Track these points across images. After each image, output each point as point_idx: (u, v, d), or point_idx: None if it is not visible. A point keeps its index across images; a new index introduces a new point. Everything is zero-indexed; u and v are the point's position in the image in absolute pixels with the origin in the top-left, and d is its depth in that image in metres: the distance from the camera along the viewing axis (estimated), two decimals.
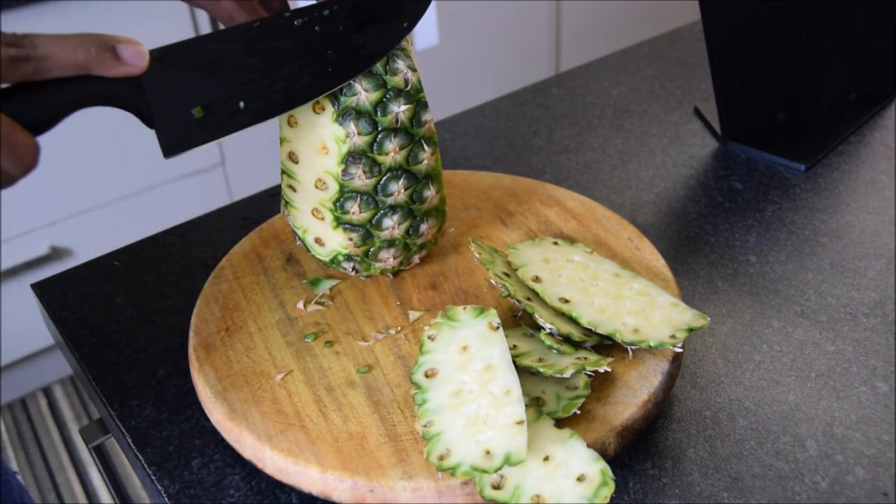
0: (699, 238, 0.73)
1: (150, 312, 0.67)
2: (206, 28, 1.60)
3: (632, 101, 0.99)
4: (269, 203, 0.80)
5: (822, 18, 0.87)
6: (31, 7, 1.40)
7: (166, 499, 0.51)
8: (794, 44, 0.87)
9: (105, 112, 1.55)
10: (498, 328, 0.52)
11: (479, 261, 0.57)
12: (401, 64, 0.55)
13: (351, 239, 0.59)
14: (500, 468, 0.45)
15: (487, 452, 0.46)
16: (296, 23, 0.51)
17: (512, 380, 0.49)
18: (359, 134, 0.55)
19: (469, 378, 0.50)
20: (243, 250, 0.68)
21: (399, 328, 0.59)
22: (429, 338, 0.53)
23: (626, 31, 2.29)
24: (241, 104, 0.51)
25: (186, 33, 1.58)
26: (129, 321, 0.66)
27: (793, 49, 0.87)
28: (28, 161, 0.41)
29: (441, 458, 0.46)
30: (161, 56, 0.46)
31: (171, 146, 0.49)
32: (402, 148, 0.57)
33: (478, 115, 0.97)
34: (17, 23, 1.40)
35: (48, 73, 0.42)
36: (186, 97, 0.49)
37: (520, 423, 0.46)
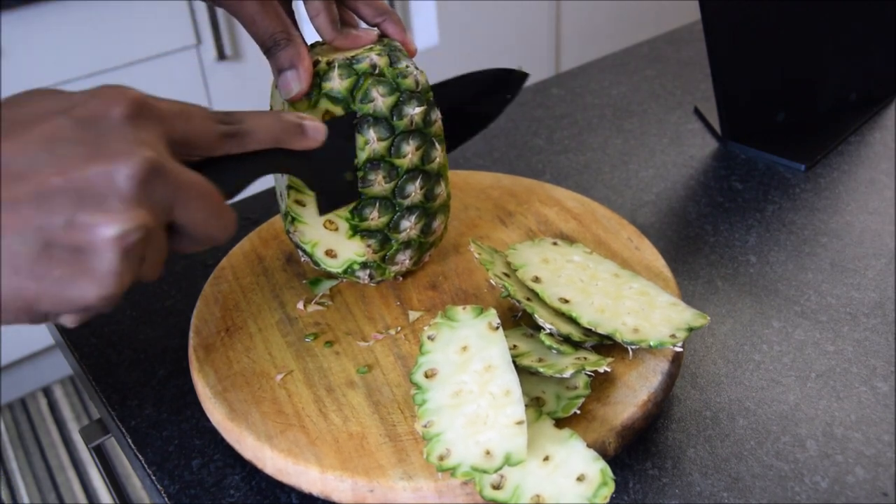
0: (699, 238, 0.73)
1: (150, 312, 0.67)
2: (206, 29, 1.60)
3: (632, 101, 0.99)
4: (269, 203, 0.80)
5: (822, 19, 0.87)
6: (31, 7, 1.40)
7: (166, 499, 0.51)
8: (794, 44, 0.87)
9: None
10: (497, 328, 0.52)
11: (479, 261, 0.57)
12: (404, 63, 0.56)
13: (369, 245, 0.58)
14: (500, 468, 0.45)
15: (487, 453, 0.46)
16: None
17: (512, 380, 0.49)
18: (378, 140, 0.55)
19: (469, 378, 0.50)
20: (243, 250, 0.68)
21: (399, 328, 0.59)
22: (428, 338, 0.53)
23: (626, 31, 2.29)
24: None
25: (186, 33, 1.58)
26: (129, 321, 0.66)
27: (793, 49, 0.87)
28: (231, 229, 0.44)
29: (441, 458, 0.46)
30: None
31: (328, 206, 0.56)
32: (417, 149, 0.57)
33: None
34: (17, 23, 1.40)
35: (248, 147, 0.47)
36: (342, 164, 0.55)
37: (520, 423, 0.46)
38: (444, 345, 0.52)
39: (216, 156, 0.46)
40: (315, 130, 0.50)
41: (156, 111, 0.41)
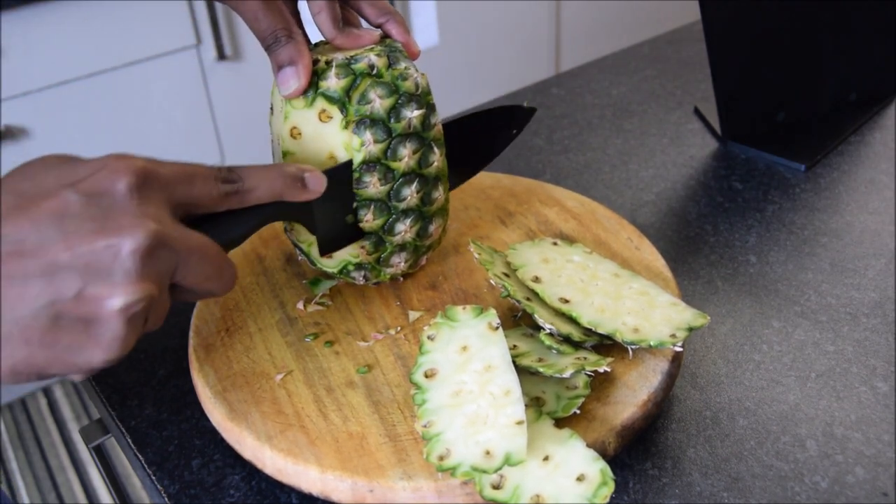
0: (699, 238, 0.73)
1: None
2: (206, 29, 1.60)
3: (632, 101, 0.99)
4: None
5: (822, 18, 0.87)
6: (31, 7, 1.40)
7: (166, 499, 0.52)
8: (794, 44, 0.87)
9: (105, 113, 1.55)
10: (497, 328, 0.52)
11: (479, 261, 0.57)
12: (403, 65, 0.55)
13: (363, 247, 0.58)
14: (499, 468, 0.45)
15: (487, 453, 0.46)
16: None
17: (512, 380, 0.49)
18: (374, 142, 0.54)
19: (469, 378, 0.50)
20: (243, 250, 0.68)
21: (399, 328, 0.59)
22: (428, 338, 0.53)
23: (626, 31, 2.29)
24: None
25: (186, 33, 1.58)
26: None
27: (793, 49, 0.87)
28: (231, 283, 0.47)
29: (441, 458, 0.46)
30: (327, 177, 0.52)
31: (327, 247, 0.57)
32: (414, 152, 0.56)
33: None
34: (17, 23, 1.40)
35: (249, 202, 0.48)
36: (342, 208, 0.55)
37: (520, 423, 0.46)
38: (443, 345, 0.52)
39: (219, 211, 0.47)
40: (315, 182, 0.51)
41: (160, 178, 0.43)
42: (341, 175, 0.54)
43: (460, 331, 0.53)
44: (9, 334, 0.38)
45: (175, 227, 0.43)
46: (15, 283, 0.38)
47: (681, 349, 0.55)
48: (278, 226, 0.70)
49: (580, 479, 0.45)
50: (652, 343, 0.52)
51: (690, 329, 0.54)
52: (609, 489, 0.45)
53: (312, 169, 0.51)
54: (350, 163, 0.55)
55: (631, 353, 0.55)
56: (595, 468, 0.46)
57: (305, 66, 0.53)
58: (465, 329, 0.53)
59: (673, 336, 0.53)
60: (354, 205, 0.56)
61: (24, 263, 0.38)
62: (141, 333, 0.42)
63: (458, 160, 0.63)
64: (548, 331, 0.53)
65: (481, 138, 0.63)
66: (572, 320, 0.54)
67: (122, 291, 0.39)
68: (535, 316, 0.53)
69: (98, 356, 0.40)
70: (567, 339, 0.53)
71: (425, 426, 0.48)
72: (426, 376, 0.51)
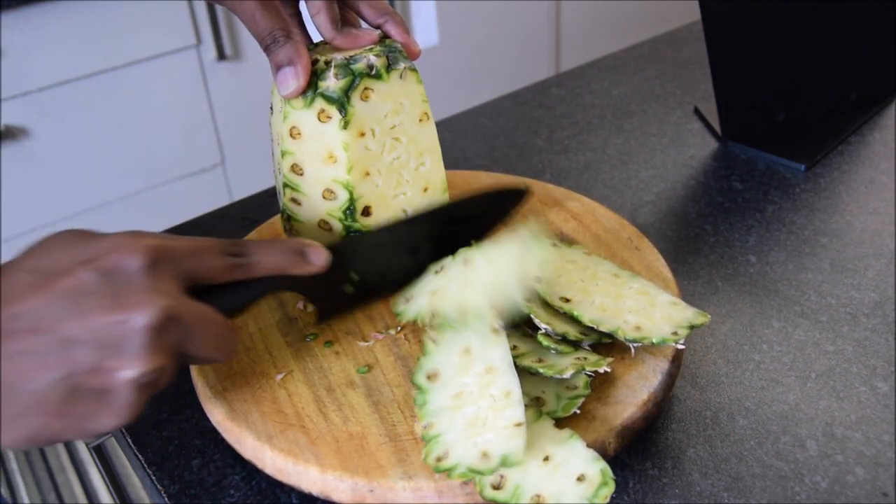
0: (699, 238, 0.73)
1: None
2: (206, 29, 1.60)
3: (632, 101, 0.99)
4: (269, 203, 0.80)
5: (822, 18, 0.87)
6: (31, 7, 1.40)
7: (166, 499, 0.51)
8: (794, 44, 0.87)
9: (105, 113, 1.55)
10: (499, 330, 0.52)
11: None
12: (402, 65, 0.55)
13: None
14: (496, 470, 0.45)
15: (484, 454, 0.46)
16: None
17: (512, 382, 0.49)
18: None
19: (470, 380, 0.50)
20: None
21: (399, 328, 0.59)
22: (431, 340, 0.53)
23: (626, 31, 2.29)
24: (385, 279, 0.59)
25: (186, 33, 1.58)
26: None
27: (793, 49, 0.87)
28: (234, 352, 0.48)
29: (439, 459, 0.46)
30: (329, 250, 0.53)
31: (326, 315, 0.58)
32: None
33: (478, 115, 0.97)
34: (17, 23, 1.40)
35: (253, 275, 0.50)
36: (341, 279, 0.57)
37: (518, 425, 0.46)
38: (446, 347, 0.52)
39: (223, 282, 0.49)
40: (317, 257, 0.52)
41: (171, 255, 0.45)
42: (342, 249, 0.55)
43: (463, 333, 0.53)
44: (27, 406, 0.40)
45: (184, 301, 0.44)
46: (33, 357, 0.40)
47: (682, 347, 0.55)
48: (278, 226, 0.70)
49: (580, 479, 0.45)
50: (654, 340, 0.52)
51: (691, 327, 0.54)
52: (609, 489, 0.45)
53: (315, 244, 0.52)
54: (351, 239, 0.56)
55: (633, 351, 0.55)
56: (595, 468, 0.46)
57: (304, 66, 0.53)
58: (467, 331, 0.53)
59: (675, 334, 0.53)
60: (352, 276, 0.57)
61: (41, 339, 0.40)
62: (150, 398, 0.44)
63: (462, 235, 0.61)
64: (543, 331, 0.53)
65: (476, 218, 0.63)
66: (573, 319, 0.54)
67: (135, 364, 0.41)
68: (532, 316, 0.53)
69: (110, 422, 0.42)
70: (564, 339, 0.53)
71: (425, 427, 0.48)
72: (428, 378, 0.51)
